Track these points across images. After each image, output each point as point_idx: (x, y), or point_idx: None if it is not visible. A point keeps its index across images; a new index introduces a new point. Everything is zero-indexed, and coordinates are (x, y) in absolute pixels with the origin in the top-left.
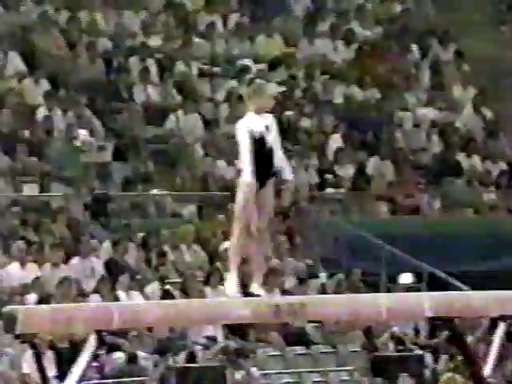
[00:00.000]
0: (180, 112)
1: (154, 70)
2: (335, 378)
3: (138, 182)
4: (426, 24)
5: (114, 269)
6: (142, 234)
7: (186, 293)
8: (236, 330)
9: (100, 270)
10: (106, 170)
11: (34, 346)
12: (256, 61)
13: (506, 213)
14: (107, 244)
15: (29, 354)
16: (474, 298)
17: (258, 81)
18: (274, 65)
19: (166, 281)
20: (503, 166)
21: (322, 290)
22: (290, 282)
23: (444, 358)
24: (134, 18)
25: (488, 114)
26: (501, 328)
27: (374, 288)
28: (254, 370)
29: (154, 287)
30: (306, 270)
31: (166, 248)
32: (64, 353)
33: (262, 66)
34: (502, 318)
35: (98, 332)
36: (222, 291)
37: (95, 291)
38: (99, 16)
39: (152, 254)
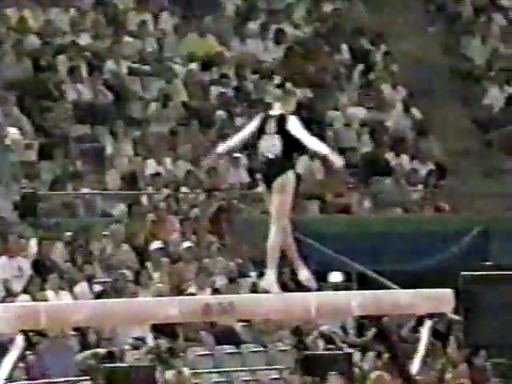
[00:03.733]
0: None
1: (83, 68)
2: (265, 377)
3: (67, 181)
4: (357, 24)
5: (41, 268)
6: (69, 233)
7: (116, 292)
8: (165, 329)
9: (28, 269)
10: (35, 168)
11: None
12: (187, 60)
13: (434, 211)
14: (34, 243)
15: None
16: (402, 296)
17: (287, 85)
18: (206, 64)
19: (95, 280)
20: (431, 165)
21: (253, 289)
22: (220, 281)
23: (371, 355)
24: (63, 15)
25: (417, 114)
26: (427, 326)
27: (303, 287)
28: (184, 369)
29: (83, 287)
30: (236, 269)
31: (95, 247)
32: None
33: (194, 65)
34: (429, 315)
35: (25, 332)
36: (152, 290)
37: (24, 291)
38: (27, 13)
39: (79, 254)
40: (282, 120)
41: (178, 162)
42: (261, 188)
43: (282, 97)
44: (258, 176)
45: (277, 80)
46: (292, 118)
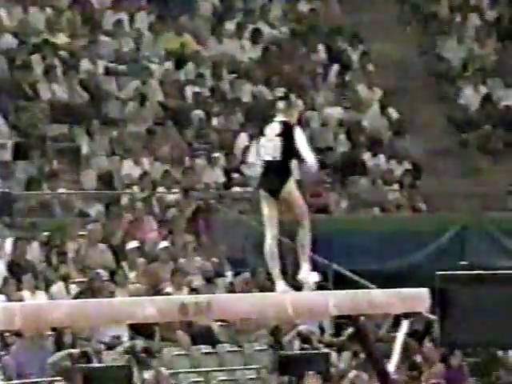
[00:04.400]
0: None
1: (58, 67)
2: (242, 377)
3: (43, 181)
4: (333, 24)
5: (17, 268)
6: (45, 233)
7: (92, 292)
8: (142, 329)
9: (3, 269)
10: (9, 168)
11: None
12: (164, 59)
13: (411, 211)
14: (9, 243)
15: None
16: (378, 296)
17: (292, 96)
18: (182, 63)
19: (71, 280)
20: (408, 165)
21: (230, 289)
22: (197, 281)
23: (347, 355)
24: (39, 14)
25: (394, 114)
26: (404, 325)
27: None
28: (162, 369)
29: (59, 287)
30: (213, 269)
31: (71, 247)
32: None
33: (170, 64)
34: (405, 315)
35: (0, 332)
36: (128, 290)
37: None
38: (3, 12)
39: (55, 254)
40: (286, 126)
41: (155, 161)
42: (262, 194)
43: (285, 109)
44: (255, 179)
45: (280, 92)
46: (298, 129)
